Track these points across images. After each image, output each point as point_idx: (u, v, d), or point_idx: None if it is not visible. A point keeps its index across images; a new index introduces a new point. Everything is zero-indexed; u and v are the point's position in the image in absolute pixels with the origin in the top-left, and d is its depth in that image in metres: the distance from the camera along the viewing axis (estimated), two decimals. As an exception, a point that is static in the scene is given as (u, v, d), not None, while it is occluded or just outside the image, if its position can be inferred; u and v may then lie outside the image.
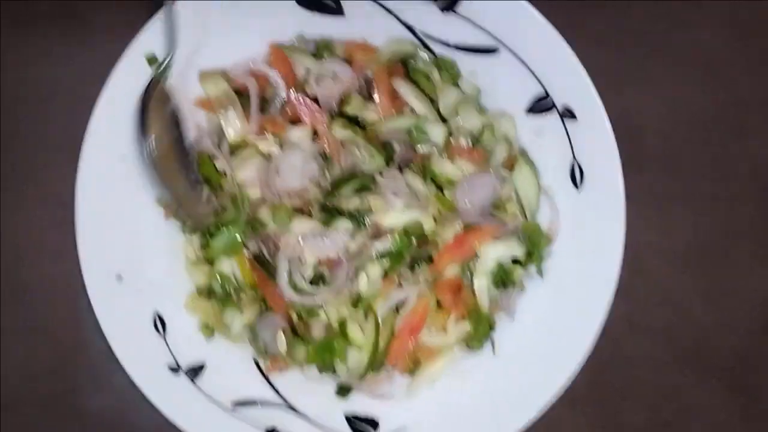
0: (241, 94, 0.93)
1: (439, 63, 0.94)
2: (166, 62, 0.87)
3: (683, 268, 1.01)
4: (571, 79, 0.89)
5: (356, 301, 0.90)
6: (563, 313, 0.91)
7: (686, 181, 1.02)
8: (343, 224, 0.89)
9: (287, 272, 0.89)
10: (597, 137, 0.89)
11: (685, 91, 1.01)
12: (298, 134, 0.91)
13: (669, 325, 1.01)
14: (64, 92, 1.01)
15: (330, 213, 0.90)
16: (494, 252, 0.91)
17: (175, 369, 0.90)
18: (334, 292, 0.89)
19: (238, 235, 0.90)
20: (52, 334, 0.99)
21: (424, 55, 0.95)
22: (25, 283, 0.99)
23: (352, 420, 0.91)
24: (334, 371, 0.92)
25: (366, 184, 0.90)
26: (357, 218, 0.89)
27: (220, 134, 0.93)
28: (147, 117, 0.87)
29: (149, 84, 0.87)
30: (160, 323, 0.91)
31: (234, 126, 0.92)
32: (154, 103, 0.87)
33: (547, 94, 0.91)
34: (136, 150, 0.88)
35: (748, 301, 1.00)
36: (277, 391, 0.92)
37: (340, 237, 0.88)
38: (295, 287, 0.89)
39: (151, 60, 0.88)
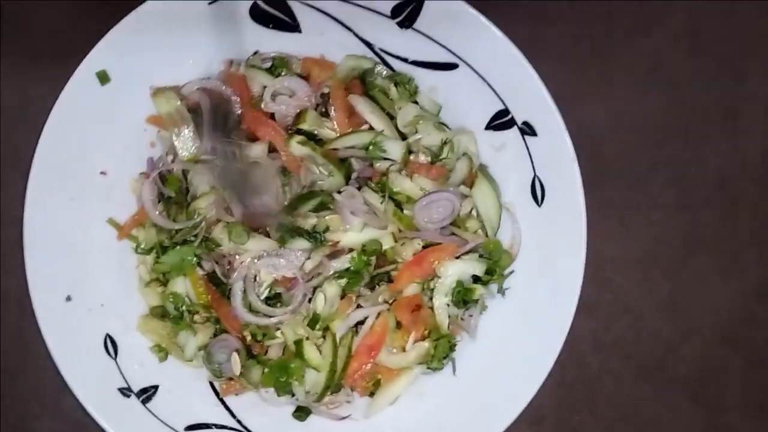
0: (195, 111, 0.92)
1: (397, 79, 0.94)
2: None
3: (643, 281, 1.02)
4: (531, 95, 0.90)
5: (313, 321, 0.89)
6: (526, 332, 0.92)
7: (645, 192, 1.02)
8: (301, 244, 0.88)
9: (242, 292, 0.88)
10: (557, 153, 0.90)
11: (642, 104, 1.03)
12: (257, 151, 0.90)
13: (629, 338, 1.01)
14: (16, 111, 1.00)
15: (287, 232, 0.89)
16: (454, 270, 0.91)
17: (127, 392, 0.90)
18: (291, 313, 0.88)
19: (191, 255, 0.90)
20: (3, 356, 0.98)
21: (382, 70, 0.95)
22: None
23: None
24: (291, 393, 0.92)
25: (325, 202, 0.89)
26: (315, 237, 0.89)
27: (172, 152, 0.93)
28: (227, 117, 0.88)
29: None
30: (111, 345, 0.91)
31: (187, 144, 0.92)
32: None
33: (508, 110, 0.92)
34: (214, 148, 0.89)
35: (708, 312, 1.01)
36: (232, 414, 0.92)
37: (296, 256, 0.88)
38: (250, 307, 0.89)
39: (102, 77, 0.88)
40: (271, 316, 0.88)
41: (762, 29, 1.03)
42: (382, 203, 0.90)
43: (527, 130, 0.91)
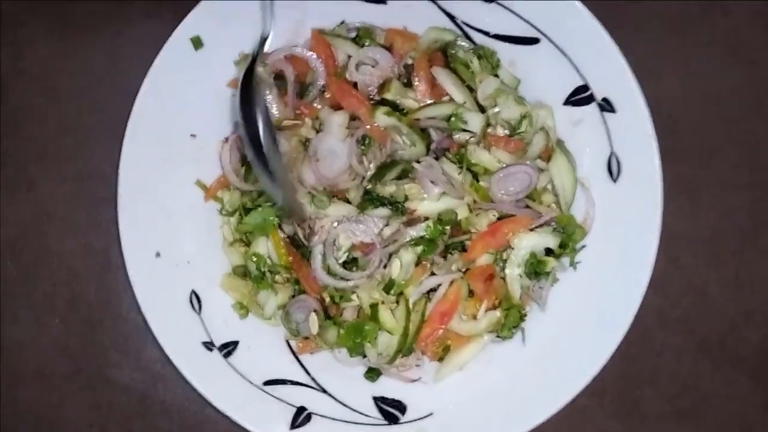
0: (280, 78, 0.93)
1: (479, 52, 0.94)
2: (263, 42, 0.88)
3: (710, 258, 1.01)
4: (612, 72, 0.90)
5: (388, 286, 0.90)
6: (595, 306, 0.92)
7: (716, 169, 1.02)
8: (380, 211, 0.90)
9: (321, 255, 0.90)
10: (636, 130, 0.90)
11: (718, 80, 1.02)
12: (338, 120, 0.91)
13: (693, 315, 1.01)
14: (112, 75, 1.03)
15: (369, 199, 0.90)
16: (528, 242, 0.91)
17: (210, 346, 0.93)
18: (367, 277, 0.90)
19: (272, 216, 0.91)
20: (87, 306, 1.02)
21: (464, 43, 0.94)
22: (65, 256, 1.03)
23: (379, 402, 0.93)
24: (363, 354, 0.93)
25: (406, 171, 0.90)
26: (396, 206, 0.89)
27: None
28: (250, 97, 0.85)
29: (250, 64, 0.87)
30: (196, 301, 0.93)
31: (272, 110, 0.92)
32: (254, 84, 0.86)
33: (587, 86, 0.91)
34: (240, 131, 0.87)
35: None
36: (307, 372, 0.95)
37: (374, 223, 0.89)
38: (328, 270, 0.90)
39: (196, 42, 0.90)
40: (348, 280, 0.90)
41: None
42: (459, 174, 0.91)
43: (606, 106, 0.91)
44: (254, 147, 0.83)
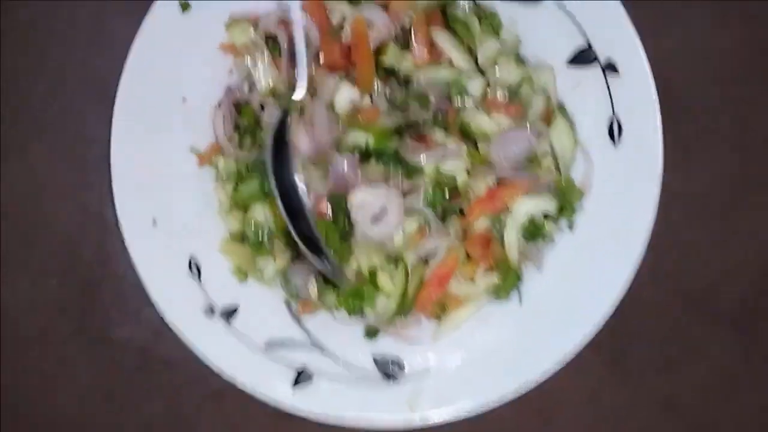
0: (273, 40, 0.93)
1: (480, 12, 0.93)
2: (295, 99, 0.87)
3: (700, 215, 1.03)
4: (617, 33, 0.90)
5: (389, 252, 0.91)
6: (592, 266, 0.93)
7: (710, 128, 1.02)
8: (380, 171, 0.91)
9: None
10: (639, 94, 0.90)
11: (716, 39, 1.02)
12: (332, 83, 0.90)
13: (679, 269, 1.02)
14: (99, 37, 1.02)
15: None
16: (526, 207, 0.92)
17: (210, 311, 0.94)
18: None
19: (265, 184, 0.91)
20: (85, 267, 1.03)
21: (463, 3, 0.93)
22: (61, 219, 1.03)
23: (378, 361, 0.95)
24: (363, 314, 0.95)
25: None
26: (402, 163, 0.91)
27: (250, 81, 0.94)
28: (285, 162, 0.85)
29: (283, 117, 0.86)
30: (195, 267, 0.94)
31: (264, 75, 0.92)
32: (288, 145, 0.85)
33: (591, 47, 0.91)
34: (272, 187, 0.86)
35: (758, 249, 1.02)
36: (307, 332, 0.96)
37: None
38: None
39: (184, 5, 0.89)
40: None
41: None
42: (457, 138, 0.91)
43: (610, 68, 0.90)
44: (291, 214, 0.85)
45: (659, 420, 1.02)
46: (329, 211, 0.92)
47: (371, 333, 0.96)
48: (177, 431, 1.04)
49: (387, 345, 0.96)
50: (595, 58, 0.91)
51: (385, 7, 0.91)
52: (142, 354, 1.03)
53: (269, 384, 0.93)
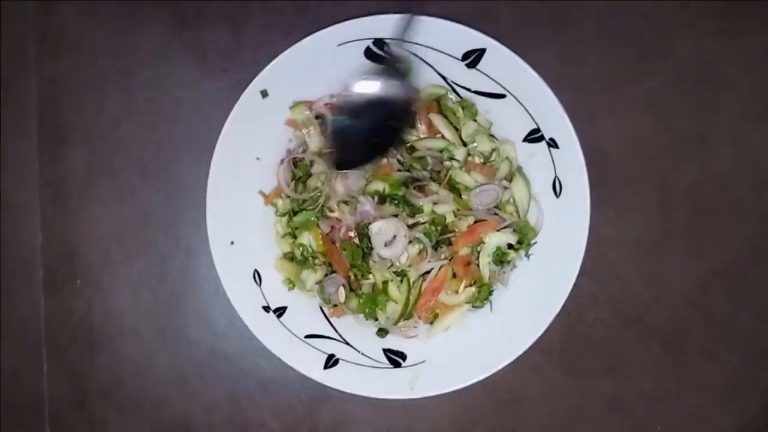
0: (321, 117, 1.03)
1: (463, 103, 1.02)
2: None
3: (631, 256, 1.08)
4: (556, 120, 0.98)
5: (396, 269, 1.02)
6: (542, 285, 1.01)
7: (636, 192, 1.08)
8: (393, 209, 0.99)
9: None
10: (573, 161, 0.98)
11: (639, 127, 1.07)
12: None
13: (618, 297, 1.08)
14: (198, 113, 1.12)
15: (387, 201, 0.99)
16: (495, 239, 1.02)
17: (267, 309, 1.04)
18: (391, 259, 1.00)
19: (313, 217, 1.03)
20: (172, 283, 1.14)
21: (452, 96, 1.03)
22: (158, 246, 1.14)
23: (387, 352, 1.04)
24: (376, 318, 1.05)
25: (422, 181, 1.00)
26: (409, 206, 0.98)
27: (304, 146, 1.05)
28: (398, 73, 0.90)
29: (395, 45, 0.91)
30: (257, 277, 1.05)
31: (314, 141, 1.04)
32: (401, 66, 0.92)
33: (539, 129, 1.00)
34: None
35: (679, 282, 1.08)
36: (336, 330, 1.06)
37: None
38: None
39: (264, 93, 0.99)
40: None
41: (727, 75, 1.07)
42: (446, 190, 1.01)
43: (552, 143, 0.99)
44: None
45: (607, 417, 1.08)
46: (356, 238, 1.03)
47: (382, 332, 1.05)
48: (233, 412, 1.12)
49: (394, 341, 1.05)
50: (542, 137, 0.99)
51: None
52: (209, 350, 1.12)
53: (307, 366, 1.02)
